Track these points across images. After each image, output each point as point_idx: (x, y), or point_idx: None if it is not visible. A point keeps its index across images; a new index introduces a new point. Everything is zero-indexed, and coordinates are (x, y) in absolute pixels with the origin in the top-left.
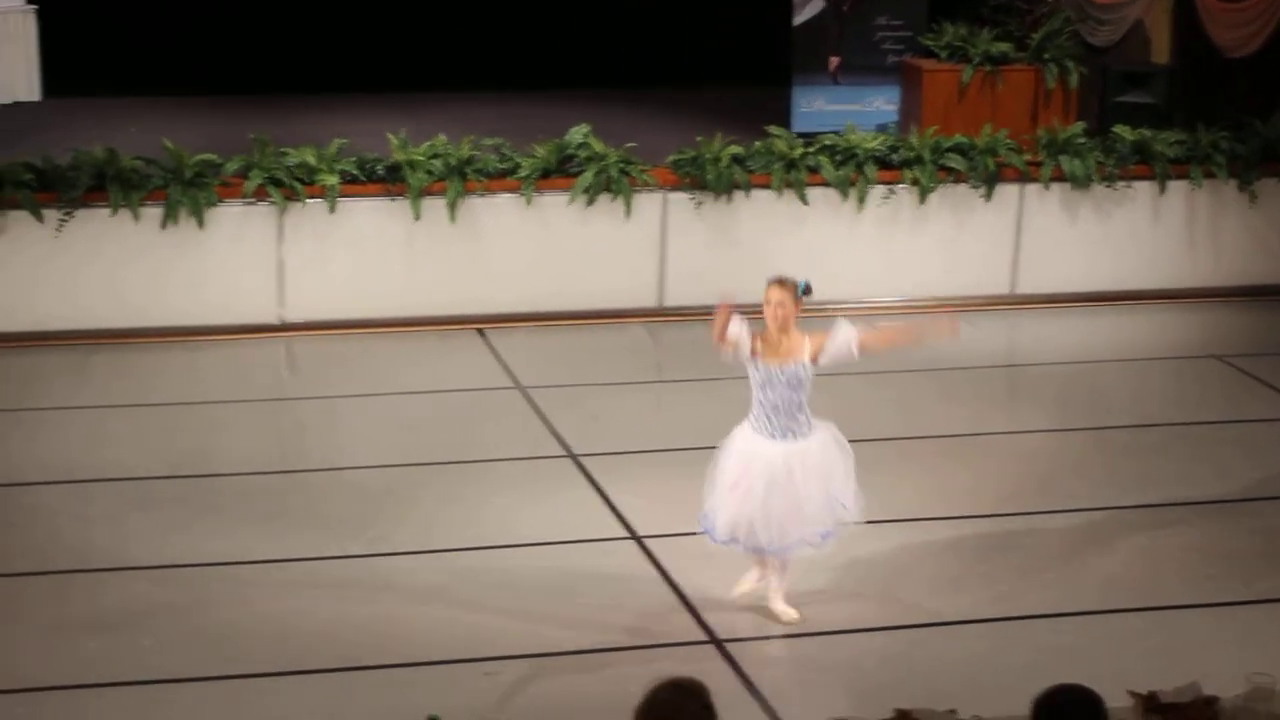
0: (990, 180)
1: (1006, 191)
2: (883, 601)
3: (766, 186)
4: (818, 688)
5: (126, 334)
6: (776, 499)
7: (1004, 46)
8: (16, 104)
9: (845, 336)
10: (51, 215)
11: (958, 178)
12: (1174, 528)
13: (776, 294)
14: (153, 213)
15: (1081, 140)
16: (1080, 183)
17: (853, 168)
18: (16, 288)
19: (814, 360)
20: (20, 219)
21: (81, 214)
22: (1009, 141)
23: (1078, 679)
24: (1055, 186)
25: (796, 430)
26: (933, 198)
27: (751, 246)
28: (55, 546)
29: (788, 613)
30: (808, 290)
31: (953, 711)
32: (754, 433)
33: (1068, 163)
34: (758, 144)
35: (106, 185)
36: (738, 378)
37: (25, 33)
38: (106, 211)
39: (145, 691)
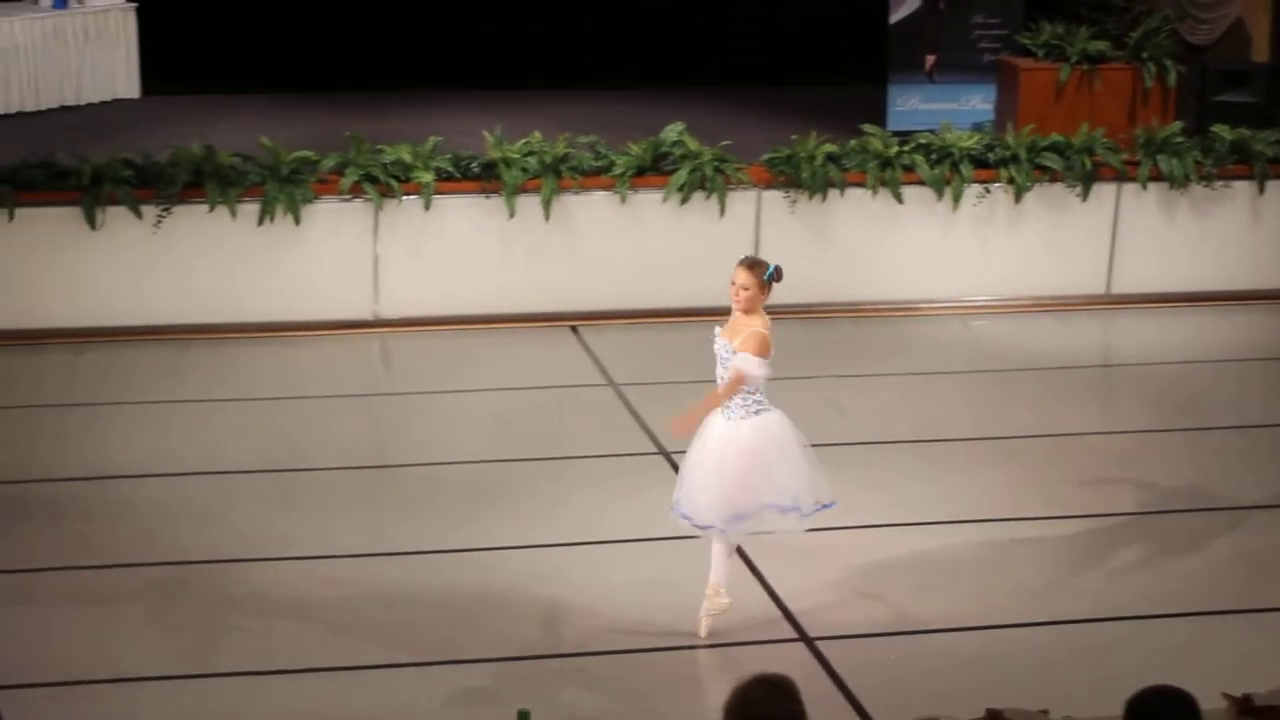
0: (1087, 180)
1: (1103, 191)
2: (974, 600)
3: (861, 185)
4: (907, 686)
5: (223, 329)
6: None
7: (1102, 45)
8: (116, 101)
9: (738, 363)
10: (150, 211)
11: (1054, 177)
12: (1272, 530)
13: (742, 276)
14: (249, 209)
15: (1179, 139)
16: (1178, 182)
17: (948, 166)
18: (115, 283)
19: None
20: (119, 215)
21: (179, 210)
22: (1106, 141)
23: (1171, 680)
24: (1152, 186)
25: (730, 412)
26: (1028, 197)
27: (846, 245)
28: (152, 540)
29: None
30: (777, 276)
31: (1045, 712)
32: (742, 419)
33: (1165, 162)
34: (853, 142)
35: (204, 182)
36: (830, 376)
37: (125, 30)
38: (204, 208)
39: (243, 682)
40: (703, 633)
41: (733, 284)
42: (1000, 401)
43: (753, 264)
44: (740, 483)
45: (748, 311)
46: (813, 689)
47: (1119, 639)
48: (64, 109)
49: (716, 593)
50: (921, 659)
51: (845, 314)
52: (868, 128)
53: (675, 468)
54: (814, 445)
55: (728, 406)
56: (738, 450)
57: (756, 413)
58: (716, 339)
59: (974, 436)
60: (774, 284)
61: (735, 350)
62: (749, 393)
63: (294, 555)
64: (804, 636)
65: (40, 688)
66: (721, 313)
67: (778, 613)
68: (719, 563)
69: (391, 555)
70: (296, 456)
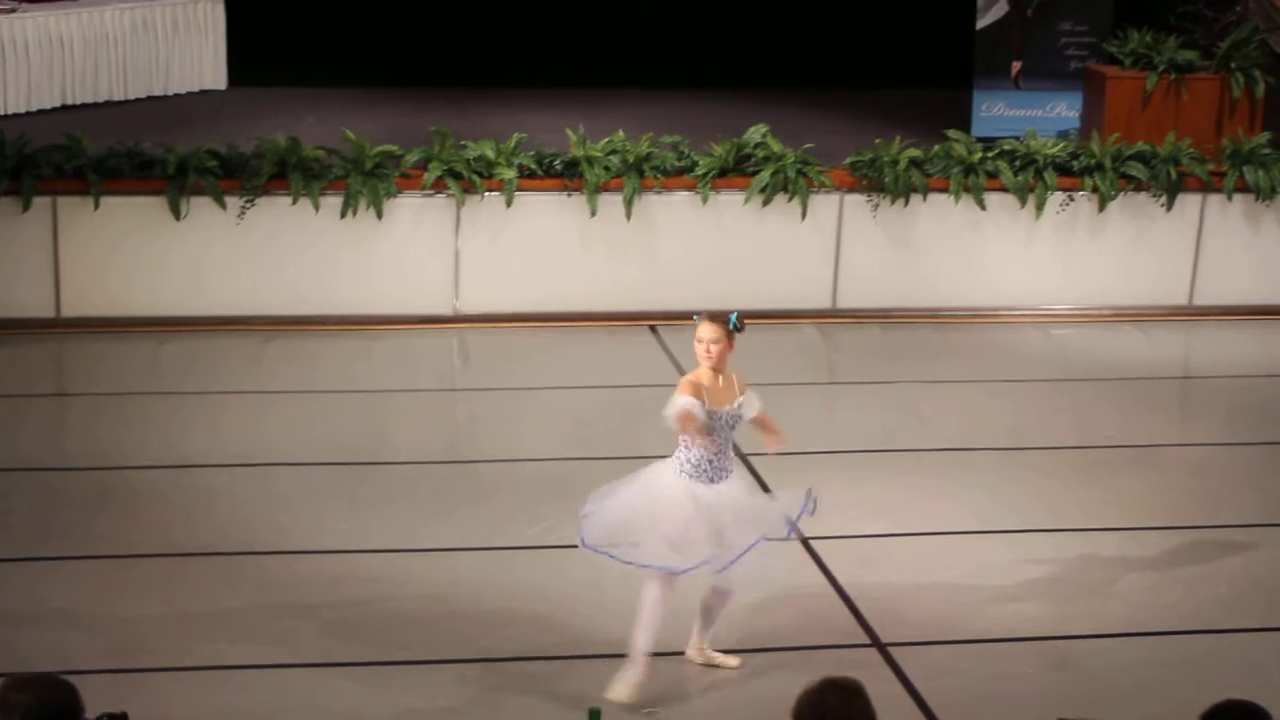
0: (1172, 189)
1: (1188, 201)
2: (1051, 610)
3: (944, 191)
4: (979, 694)
5: (304, 321)
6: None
7: (1190, 54)
8: (203, 91)
9: (752, 405)
10: (234, 202)
11: (1138, 186)
12: None
13: (709, 331)
14: (332, 202)
15: (1266, 151)
16: (1264, 194)
17: (1032, 174)
18: (199, 273)
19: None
20: (204, 205)
21: (263, 202)
22: (1192, 151)
23: (1246, 695)
24: (1238, 197)
25: (727, 469)
26: (1112, 206)
27: (927, 251)
28: (227, 529)
29: (729, 660)
30: (739, 326)
31: None
32: (693, 480)
33: (1251, 173)
34: (936, 148)
35: (288, 174)
36: (910, 382)
37: (213, 22)
38: (287, 200)
39: (309, 674)
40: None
41: (699, 341)
42: (1079, 411)
43: (715, 316)
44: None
45: (719, 366)
46: (883, 694)
47: (1198, 652)
48: (151, 99)
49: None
50: (995, 667)
51: (926, 319)
52: (952, 133)
53: (753, 470)
54: (892, 450)
55: (725, 469)
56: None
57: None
58: (715, 411)
59: (1053, 445)
60: (737, 333)
61: (741, 388)
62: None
63: (369, 548)
64: (876, 642)
65: (119, 674)
66: (800, 315)
67: (851, 617)
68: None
69: (466, 550)
70: (373, 450)
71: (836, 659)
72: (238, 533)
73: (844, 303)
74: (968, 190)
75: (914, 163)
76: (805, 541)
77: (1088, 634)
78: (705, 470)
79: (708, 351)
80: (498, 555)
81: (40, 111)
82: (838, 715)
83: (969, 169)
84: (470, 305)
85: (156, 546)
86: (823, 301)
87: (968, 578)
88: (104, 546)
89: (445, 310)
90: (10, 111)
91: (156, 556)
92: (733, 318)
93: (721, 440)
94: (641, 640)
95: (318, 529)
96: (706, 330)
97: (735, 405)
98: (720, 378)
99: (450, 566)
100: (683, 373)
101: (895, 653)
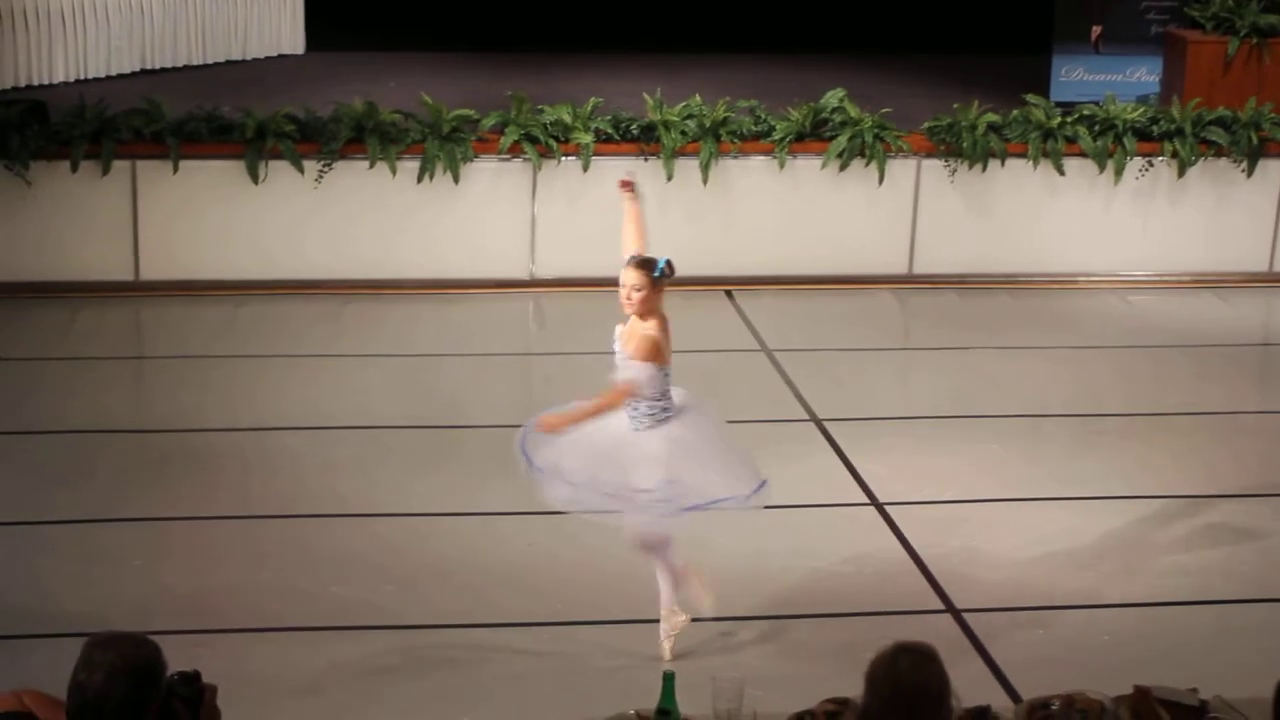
0: (1253, 155)
1: (1269, 167)
2: (1125, 577)
3: (1022, 156)
4: (1054, 661)
5: (380, 285)
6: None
7: (1272, 18)
8: (281, 56)
9: (624, 374)
10: (311, 166)
11: (1219, 151)
12: None
13: (633, 277)
14: (409, 166)
15: None
16: None
17: (1111, 139)
18: (276, 237)
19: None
20: (281, 169)
21: (340, 166)
22: (1274, 115)
23: None
24: None
25: (637, 421)
26: (1192, 171)
27: (1005, 216)
28: (300, 491)
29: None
30: (665, 272)
31: (1194, 690)
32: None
33: None
34: (1015, 112)
35: (365, 138)
36: (986, 348)
37: None
38: (365, 164)
39: (384, 636)
40: (667, 655)
41: (622, 287)
42: (1157, 377)
43: (641, 262)
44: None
45: (642, 315)
46: (956, 660)
47: (1273, 619)
48: (230, 63)
49: (674, 611)
50: (1069, 634)
51: (1002, 285)
52: (1030, 98)
53: (827, 435)
54: (967, 417)
55: (634, 414)
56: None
57: (662, 421)
58: (615, 344)
59: (1130, 412)
60: (667, 281)
61: (630, 356)
62: (654, 400)
63: (444, 511)
64: (950, 608)
65: (198, 634)
66: (876, 280)
67: (925, 583)
68: (665, 580)
69: (540, 515)
70: (449, 413)
71: (910, 624)
72: (314, 495)
73: (920, 268)
74: (1046, 155)
75: (992, 128)
76: (880, 507)
77: (1163, 601)
78: (651, 412)
79: (628, 297)
80: (570, 518)
81: (120, 76)
82: (912, 680)
83: (1047, 134)
84: (546, 269)
85: (234, 508)
86: (899, 267)
87: (1043, 544)
88: (182, 508)
89: (521, 274)
90: (91, 76)
91: (234, 519)
92: (660, 264)
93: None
94: (664, 596)
95: (394, 492)
96: (630, 276)
97: (623, 351)
98: (637, 324)
99: (526, 530)
100: (758, 338)
101: (969, 618)
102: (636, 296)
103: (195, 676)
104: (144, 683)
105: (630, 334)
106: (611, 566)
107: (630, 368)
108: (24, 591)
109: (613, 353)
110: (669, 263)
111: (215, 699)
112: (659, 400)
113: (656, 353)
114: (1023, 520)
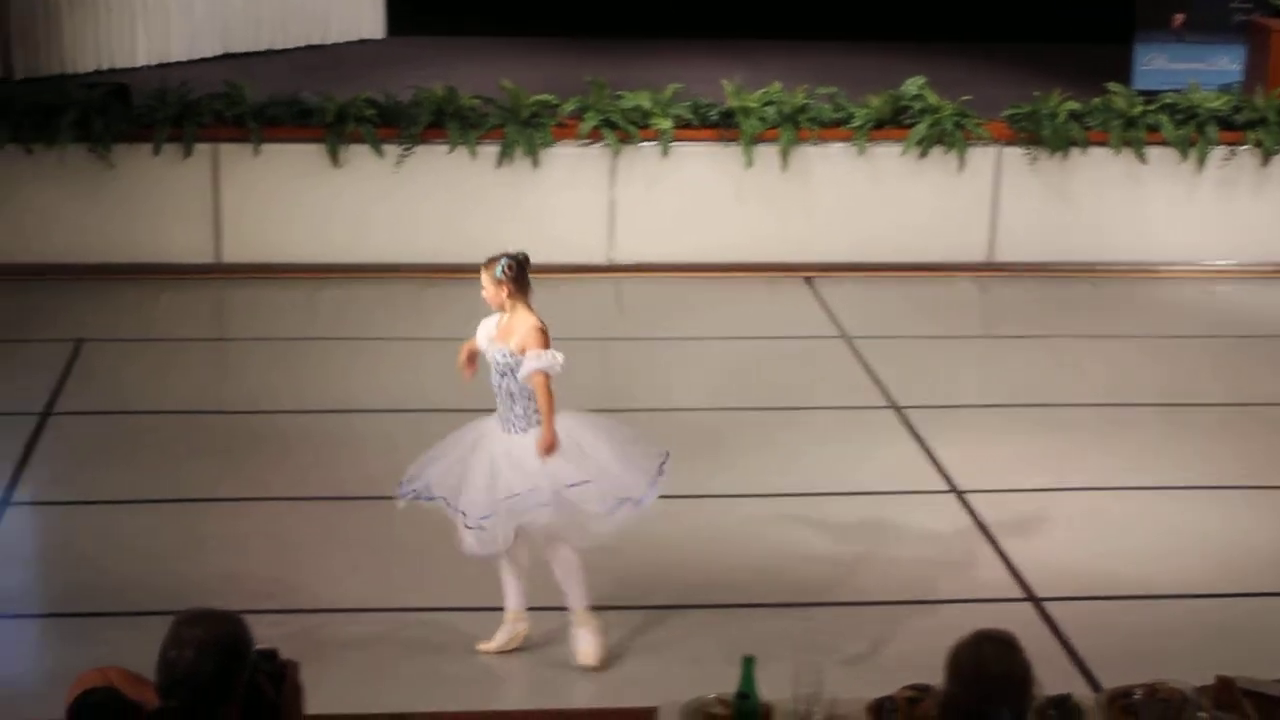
0: None
1: None
2: (1211, 567)
3: (1104, 144)
4: (1136, 651)
5: (460, 268)
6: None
7: None
8: (362, 41)
9: (529, 366)
10: (391, 150)
11: None
12: None
13: (483, 278)
14: (489, 151)
15: None
16: None
17: (1193, 127)
18: (356, 221)
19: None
20: (361, 153)
21: (420, 150)
22: None
23: None
24: None
25: (510, 423)
26: (1276, 160)
27: (1086, 204)
28: (384, 474)
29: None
30: (507, 268)
31: (1279, 681)
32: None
33: None
34: (1096, 100)
35: (445, 123)
36: (1066, 336)
37: None
38: (444, 148)
39: (464, 617)
40: (488, 647)
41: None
42: (1240, 367)
43: (488, 263)
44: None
45: (505, 310)
46: (1037, 649)
47: None
48: (311, 48)
49: (518, 619)
50: (1153, 624)
51: (1083, 273)
52: (1112, 86)
53: (907, 423)
54: (1048, 405)
55: (508, 419)
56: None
57: (537, 422)
58: (491, 345)
59: (1214, 402)
60: (521, 275)
61: (515, 352)
62: (528, 400)
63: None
64: (1031, 596)
65: (278, 614)
66: (955, 268)
67: (1005, 571)
68: (512, 584)
69: None
70: None
71: (989, 612)
72: (394, 477)
73: (1000, 256)
74: (1128, 144)
75: (1073, 116)
76: (960, 494)
77: (1245, 592)
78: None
79: (490, 297)
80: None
81: (202, 60)
82: (997, 668)
83: (1129, 122)
84: (625, 255)
85: (314, 489)
86: (979, 255)
87: (1123, 533)
88: (262, 489)
89: (600, 260)
90: (173, 60)
91: (314, 500)
92: (501, 263)
93: (493, 384)
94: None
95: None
96: (482, 277)
97: (499, 349)
98: (509, 320)
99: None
100: (837, 324)
101: (1049, 607)
102: (489, 295)
103: (274, 654)
104: (232, 657)
105: (510, 329)
106: (693, 550)
107: (535, 359)
108: (107, 570)
109: (490, 357)
110: (509, 263)
111: (298, 675)
112: (532, 399)
113: (547, 338)
114: (1103, 509)
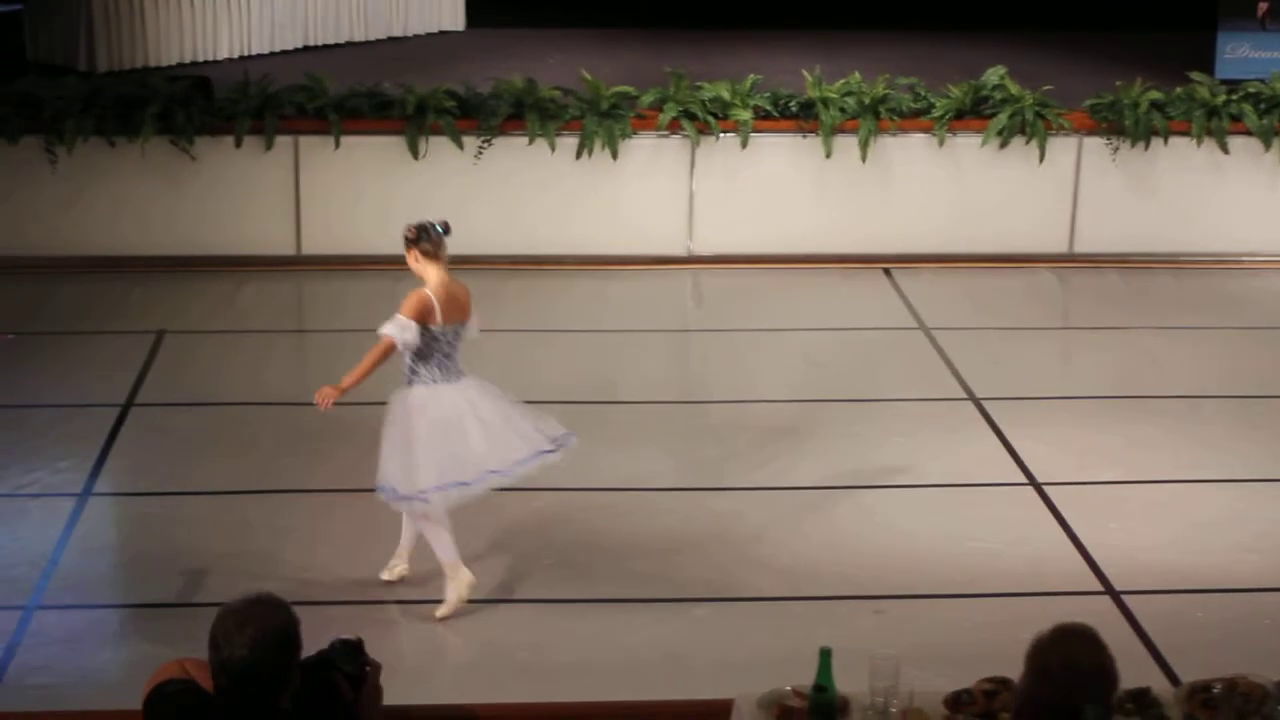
0: None
1: None
2: None
3: (1186, 134)
4: (1215, 645)
5: (539, 260)
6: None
7: None
8: (441, 33)
9: (382, 327)
10: (471, 142)
11: None
12: None
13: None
14: (568, 142)
15: None
16: None
17: (1277, 117)
18: (436, 211)
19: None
20: (441, 145)
21: (500, 142)
22: None
23: None
24: None
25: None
26: None
27: (1168, 195)
28: None
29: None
30: (406, 232)
31: None
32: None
33: None
34: (1178, 90)
35: (525, 114)
36: (1148, 328)
37: None
38: (524, 140)
39: (542, 610)
40: (386, 576)
41: None
42: None
43: (405, 232)
44: (438, 453)
45: (421, 276)
46: (1117, 642)
47: None
48: (391, 40)
49: (400, 558)
50: (1233, 618)
51: (1165, 265)
52: (1195, 75)
53: (986, 415)
54: (1128, 397)
55: (413, 377)
56: (428, 421)
57: (441, 382)
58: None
59: (1268, 394)
60: (422, 238)
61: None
62: (430, 362)
63: (602, 486)
64: (1109, 589)
65: (358, 605)
66: (1035, 259)
67: (1083, 564)
68: (408, 527)
69: (689, 490)
70: (606, 388)
71: (1068, 605)
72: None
73: (1081, 247)
74: (1210, 134)
75: (1155, 105)
76: (1039, 487)
77: None
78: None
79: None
80: (726, 495)
81: (283, 52)
82: (1081, 661)
83: (1212, 112)
84: (704, 246)
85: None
86: (1059, 246)
87: (1203, 527)
88: (342, 480)
89: (679, 251)
90: (254, 52)
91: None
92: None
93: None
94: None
95: (551, 466)
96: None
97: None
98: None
99: (676, 505)
100: (916, 316)
101: (1128, 600)
102: (411, 260)
103: (358, 645)
104: (286, 649)
105: (453, 298)
106: (768, 542)
107: (391, 322)
108: (186, 560)
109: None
110: (408, 227)
111: (379, 677)
112: (436, 362)
113: (420, 309)
114: (1183, 502)
